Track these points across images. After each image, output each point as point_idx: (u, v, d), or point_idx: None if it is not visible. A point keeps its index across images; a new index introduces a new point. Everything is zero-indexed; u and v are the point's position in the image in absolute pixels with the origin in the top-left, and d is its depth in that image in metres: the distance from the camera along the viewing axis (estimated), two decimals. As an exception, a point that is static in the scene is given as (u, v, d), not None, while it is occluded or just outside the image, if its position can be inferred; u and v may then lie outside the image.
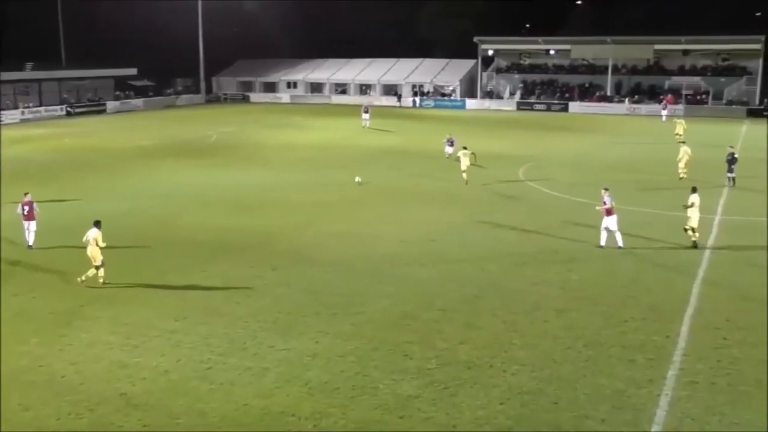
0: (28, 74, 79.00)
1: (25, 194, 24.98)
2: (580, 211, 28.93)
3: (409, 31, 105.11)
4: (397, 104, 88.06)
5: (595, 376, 14.70)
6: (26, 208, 24.36)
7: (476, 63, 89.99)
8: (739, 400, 13.68)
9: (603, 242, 23.76)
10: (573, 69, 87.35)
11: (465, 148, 36.45)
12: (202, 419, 13.15)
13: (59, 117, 75.28)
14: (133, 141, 53.89)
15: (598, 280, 20.82)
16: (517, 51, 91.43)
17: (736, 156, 35.42)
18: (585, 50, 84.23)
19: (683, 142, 41.74)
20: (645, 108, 76.16)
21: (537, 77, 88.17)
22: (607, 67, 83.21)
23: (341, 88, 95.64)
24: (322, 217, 29.00)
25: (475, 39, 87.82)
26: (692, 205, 23.99)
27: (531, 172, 38.61)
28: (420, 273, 21.61)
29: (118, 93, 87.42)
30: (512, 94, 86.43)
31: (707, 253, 23.55)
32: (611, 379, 14.52)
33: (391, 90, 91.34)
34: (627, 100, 78.09)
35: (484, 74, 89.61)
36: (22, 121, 71.48)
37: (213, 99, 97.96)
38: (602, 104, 79.59)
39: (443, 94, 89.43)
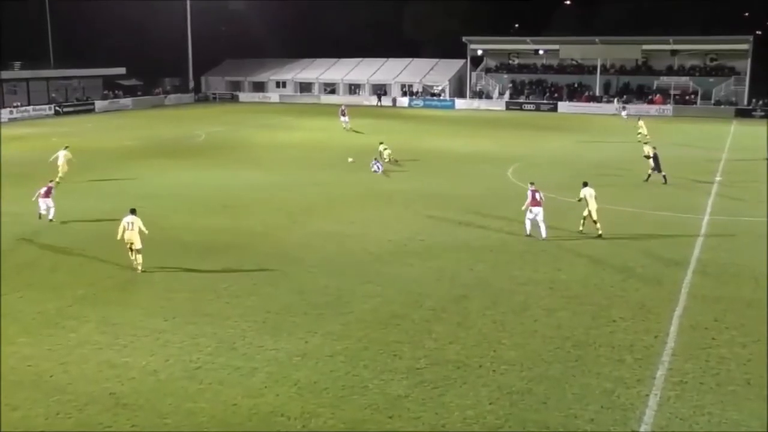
0: (16, 73, 78.70)
1: (50, 180, 29.28)
2: (567, 211, 28.98)
3: (398, 31, 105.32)
4: (378, 104, 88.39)
5: (584, 375, 14.74)
6: (45, 189, 27.81)
7: (465, 63, 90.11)
8: (728, 400, 13.73)
9: (528, 231, 25.51)
10: (562, 69, 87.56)
11: (382, 143, 39.72)
12: (190, 419, 13.11)
13: (47, 116, 74.95)
14: (120, 140, 53.67)
15: (587, 279, 20.88)
16: (506, 51, 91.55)
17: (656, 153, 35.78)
18: (573, 50, 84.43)
19: (647, 142, 42.25)
20: (634, 108, 76.49)
21: (526, 77, 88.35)
22: (595, 67, 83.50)
23: (330, 88, 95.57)
24: (310, 217, 28.97)
25: (464, 39, 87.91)
26: (581, 200, 25.70)
27: (519, 172, 38.67)
28: (409, 272, 21.62)
29: (106, 92, 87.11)
30: (501, 93, 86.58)
31: (696, 252, 23.66)
32: (600, 379, 14.56)
33: (380, 90, 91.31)
34: (616, 100, 78.36)
35: (474, 74, 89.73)
36: (11, 120, 71.11)
37: (202, 98, 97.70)
38: (591, 104, 79.86)
39: (432, 94, 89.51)
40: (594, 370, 14.95)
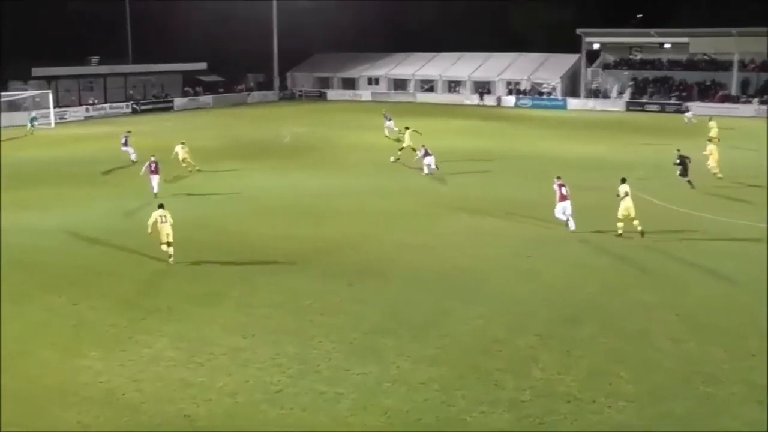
0: (93, 69, 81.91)
1: (152, 155, 35.40)
2: (697, 227, 28.16)
3: (503, 23, 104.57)
4: (480, 102, 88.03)
5: (715, 416, 14.23)
6: (152, 165, 34.45)
7: (579, 58, 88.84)
8: None
9: (573, 226, 27.63)
10: (691, 65, 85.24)
11: (407, 128, 44.04)
12: (270, 447, 13.27)
13: (124, 114, 77.75)
14: (199, 141, 55.02)
15: (719, 306, 20.18)
16: (627, 44, 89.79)
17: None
18: (705, 43, 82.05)
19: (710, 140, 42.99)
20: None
21: (649, 74, 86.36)
22: (731, 63, 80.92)
23: (427, 86, 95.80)
24: (401, 226, 29.11)
25: (578, 31, 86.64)
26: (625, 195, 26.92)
27: (640, 182, 37.72)
28: (513, 292, 21.40)
29: (186, 89, 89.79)
30: (621, 93, 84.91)
31: None
32: (734, 421, 14.02)
33: (482, 88, 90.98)
34: (755, 101, 75.64)
35: (589, 71, 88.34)
36: (87, 118, 74.12)
37: (287, 96, 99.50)
38: (726, 105, 77.27)
39: (542, 93, 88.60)
40: (727, 411, 14.40)
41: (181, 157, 40.80)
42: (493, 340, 17.87)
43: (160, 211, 24.00)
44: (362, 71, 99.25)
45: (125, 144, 44.89)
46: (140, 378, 15.89)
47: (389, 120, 56.79)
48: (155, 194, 33.62)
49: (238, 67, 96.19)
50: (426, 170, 40.08)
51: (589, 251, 25.61)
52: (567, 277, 22.75)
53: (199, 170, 40.73)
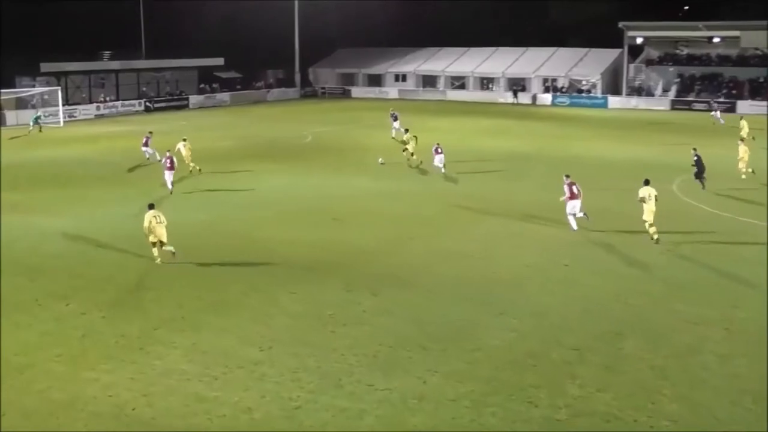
0: (104, 64, 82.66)
1: (168, 151, 37.90)
2: (746, 234, 27.91)
3: (539, 15, 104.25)
4: (514, 101, 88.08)
5: (767, 438, 14.08)
6: (168, 162, 36.66)
7: (621, 53, 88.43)
8: None
9: (575, 227, 28.58)
10: (743, 60, 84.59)
11: (407, 130, 44.83)
12: (288, 467, 13.30)
13: (137, 113, 78.42)
14: (216, 141, 55.45)
15: (772, 320, 19.97)
16: (673, 38, 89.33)
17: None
18: (758, 37, 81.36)
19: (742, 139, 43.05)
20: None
21: (697, 70, 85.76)
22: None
23: (458, 82, 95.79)
24: (429, 232, 29.11)
25: (621, 24, 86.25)
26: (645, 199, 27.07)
27: (688, 186, 37.47)
28: (549, 302, 21.30)
29: (202, 86, 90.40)
30: (666, 90, 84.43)
31: None
32: (787, 444, 13.87)
33: (516, 85, 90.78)
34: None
35: (632, 66, 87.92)
36: (97, 117, 74.78)
37: (309, 93, 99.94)
38: (780, 103, 76.53)
39: (581, 90, 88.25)
40: (780, 433, 14.25)
41: (184, 154, 41.28)
42: (527, 354, 17.79)
43: (153, 212, 24.75)
44: (389, 67, 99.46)
45: (146, 144, 45.46)
46: (151, 392, 15.96)
47: (396, 120, 56.81)
48: (170, 191, 35.97)
49: (257, 63, 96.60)
50: (436, 170, 40.96)
51: (630, 259, 25.44)
52: (606, 287, 22.61)
53: (200, 170, 41.02)
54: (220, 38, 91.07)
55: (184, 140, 42.29)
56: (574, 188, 28.52)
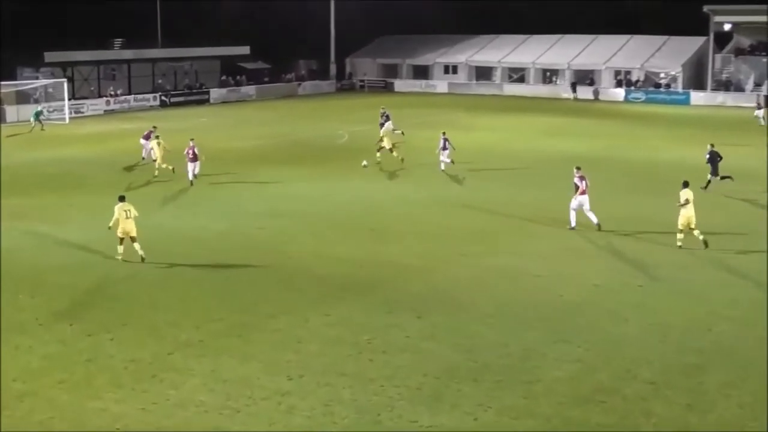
0: (116, 53, 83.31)
1: (191, 139, 40.87)
2: None
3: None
4: (573, 96, 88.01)
5: None
6: (191, 152, 39.86)
7: (707, 42, 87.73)
8: None
9: (573, 223, 30.33)
10: None
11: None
12: None
13: (152, 108, 78.90)
14: (240, 140, 55.83)
15: None
16: (766, 25, 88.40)
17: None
18: None
19: None
20: None
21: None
22: None
23: (517, 75, 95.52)
24: (480, 247, 29.11)
25: (706, 9, 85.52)
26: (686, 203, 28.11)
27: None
28: (621, 329, 21.18)
29: (224, 78, 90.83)
30: (758, 84, 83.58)
31: None
32: None
33: (586, 78, 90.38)
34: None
35: (718, 57, 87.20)
36: (107, 112, 75.44)
37: (346, 87, 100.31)
38: None
39: (659, 85, 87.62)
40: None
41: (157, 154, 42.25)
42: (595, 388, 17.68)
43: (123, 204, 26.50)
44: (437, 57, 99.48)
45: (146, 138, 45.79)
46: (165, 425, 16.05)
47: (387, 120, 56.16)
48: (191, 182, 39.70)
49: (287, 53, 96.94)
50: (442, 166, 42.69)
51: (711, 279, 25.26)
52: (686, 311, 22.42)
53: (173, 170, 41.38)
54: (246, 24, 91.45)
55: (158, 137, 43.46)
56: (584, 183, 30.05)
